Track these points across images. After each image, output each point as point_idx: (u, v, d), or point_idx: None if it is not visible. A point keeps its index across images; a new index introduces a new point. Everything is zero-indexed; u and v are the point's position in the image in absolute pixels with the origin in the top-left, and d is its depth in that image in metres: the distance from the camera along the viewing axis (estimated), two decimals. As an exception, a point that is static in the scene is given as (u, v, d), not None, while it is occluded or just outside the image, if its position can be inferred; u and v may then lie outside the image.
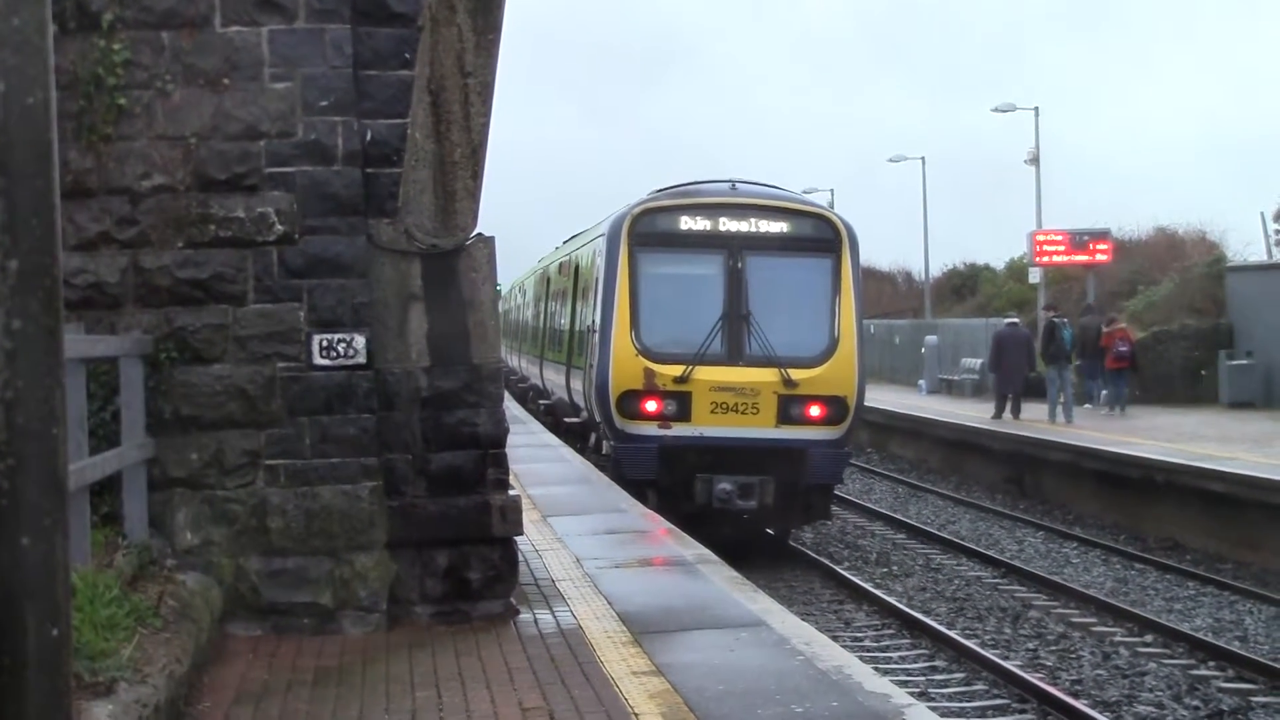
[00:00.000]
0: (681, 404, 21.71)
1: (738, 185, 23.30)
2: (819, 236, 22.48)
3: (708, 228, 22.39)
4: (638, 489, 20.84)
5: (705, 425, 21.66)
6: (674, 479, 21.78)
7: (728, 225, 22.37)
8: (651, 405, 21.82)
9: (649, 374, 21.78)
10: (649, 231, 22.44)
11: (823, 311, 22.10)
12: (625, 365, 21.95)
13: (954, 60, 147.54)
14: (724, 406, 21.60)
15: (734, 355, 21.86)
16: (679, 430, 21.75)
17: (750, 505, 21.64)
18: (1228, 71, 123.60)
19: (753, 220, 22.46)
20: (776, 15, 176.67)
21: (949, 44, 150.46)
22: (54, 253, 3.90)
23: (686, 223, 22.51)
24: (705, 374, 21.65)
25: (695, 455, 21.76)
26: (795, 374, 21.52)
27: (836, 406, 21.74)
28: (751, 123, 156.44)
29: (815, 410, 21.61)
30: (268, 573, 10.79)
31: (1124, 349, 35.54)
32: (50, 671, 3.85)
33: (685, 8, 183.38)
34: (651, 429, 21.87)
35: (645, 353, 21.92)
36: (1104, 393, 36.69)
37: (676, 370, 21.65)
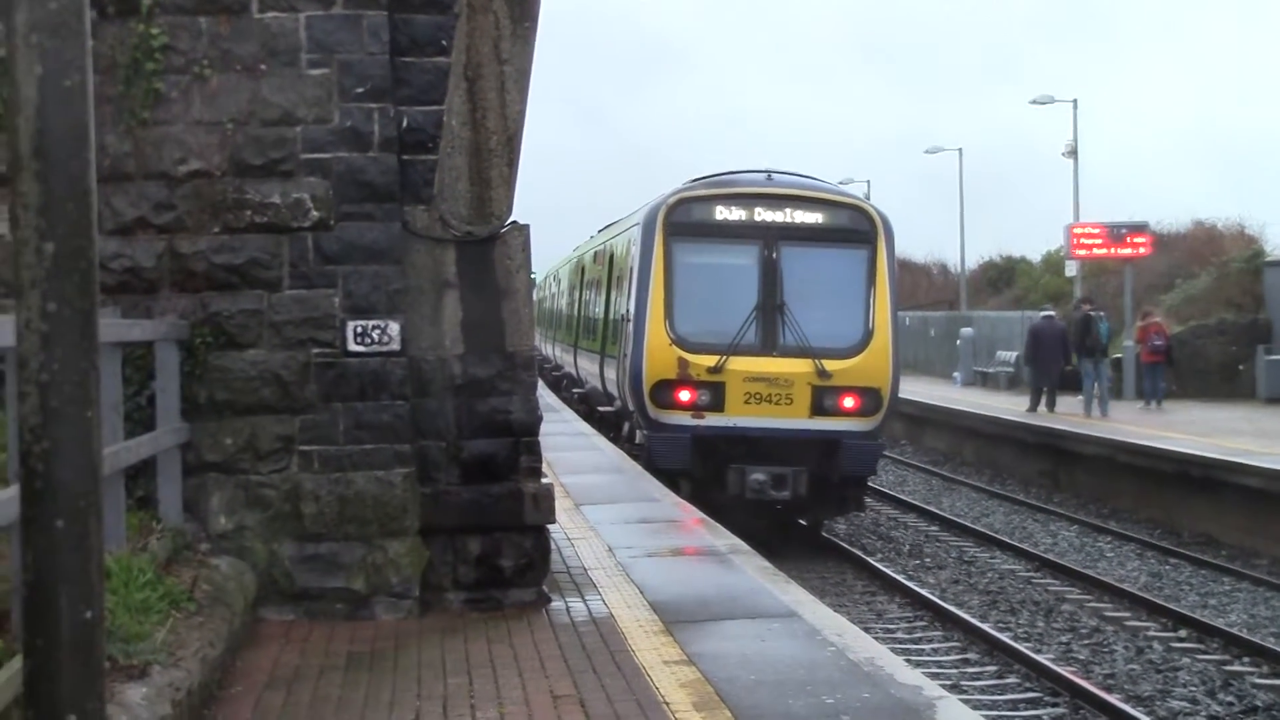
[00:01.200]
0: (715, 394, 21.64)
1: (773, 175, 23.21)
2: (854, 227, 22.35)
3: (743, 218, 22.26)
4: (670, 478, 20.82)
5: (739, 415, 21.57)
6: (707, 469, 21.75)
7: (763, 215, 22.23)
8: (685, 395, 21.73)
9: (683, 364, 21.71)
10: (684, 221, 22.32)
11: (857, 303, 21.98)
12: (659, 355, 21.88)
13: (983, 59, 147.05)
14: (758, 397, 21.53)
15: (768, 346, 21.78)
16: (712, 420, 21.68)
17: (783, 496, 21.51)
18: (1266, 68, 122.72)
19: (788, 210, 22.29)
20: (785, 25, 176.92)
21: (970, 43, 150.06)
22: (90, 236, 3.87)
23: (721, 212, 22.37)
24: (739, 364, 21.57)
25: (728, 445, 21.70)
26: (829, 365, 21.43)
27: (870, 398, 21.68)
28: (778, 123, 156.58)
29: (849, 401, 21.55)
30: (301, 558, 10.81)
31: (1159, 343, 35.38)
32: (84, 653, 3.83)
33: (687, 17, 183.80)
34: (685, 419, 21.78)
35: (679, 342, 21.87)
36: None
37: (710, 360, 21.58)
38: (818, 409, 21.53)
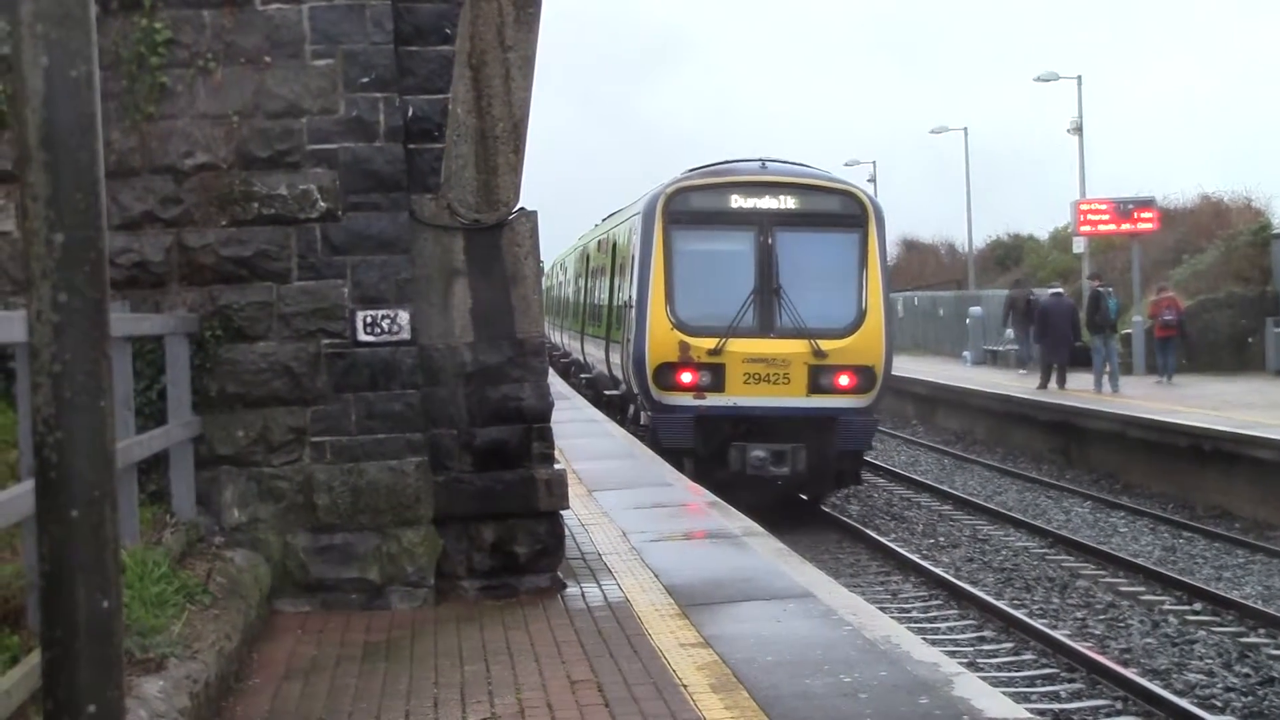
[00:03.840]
0: (716, 375, 22.42)
1: (768, 164, 24.05)
2: (846, 212, 23.17)
3: (739, 205, 23.11)
4: (674, 457, 21.50)
5: (738, 395, 22.37)
6: (709, 447, 22.49)
7: (758, 202, 23.08)
8: (687, 377, 22.52)
9: (684, 347, 22.50)
10: (682, 209, 23.15)
11: (850, 284, 22.82)
12: (661, 339, 22.66)
13: (989, 37, 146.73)
14: (756, 377, 22.31)
15: (765, 328, 22.57)
16: (713, 400, 22.45)
17: (783, 472, 22.30)
18: (1270, 40, 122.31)
19: (782, 197, 23.17)
20: (790, 5, 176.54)
21: (975, 22, 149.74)
22: (99, 226, 3.83)
23: (718, 201, 23.23)
24: (738, 346, 22.35)
25: (729, 424, 22.51)
26: (824, 345, 22.24)
27: (865, 375, 22.47)
28: (784, 105, 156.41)
29: (844, 379, 22.34)
30: (315, 549, 10.82)
31: (1170, 318, 35.35)
32: (103, 643, 3.81)
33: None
34: (687, 399, 22.60)
35: (680, 326, 22.64)
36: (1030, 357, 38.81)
37: (710, 343, 22.37)
38: (814, 387, 22.30)
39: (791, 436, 22.27)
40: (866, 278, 22.74)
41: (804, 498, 24.06)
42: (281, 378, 10.82)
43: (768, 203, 23.07)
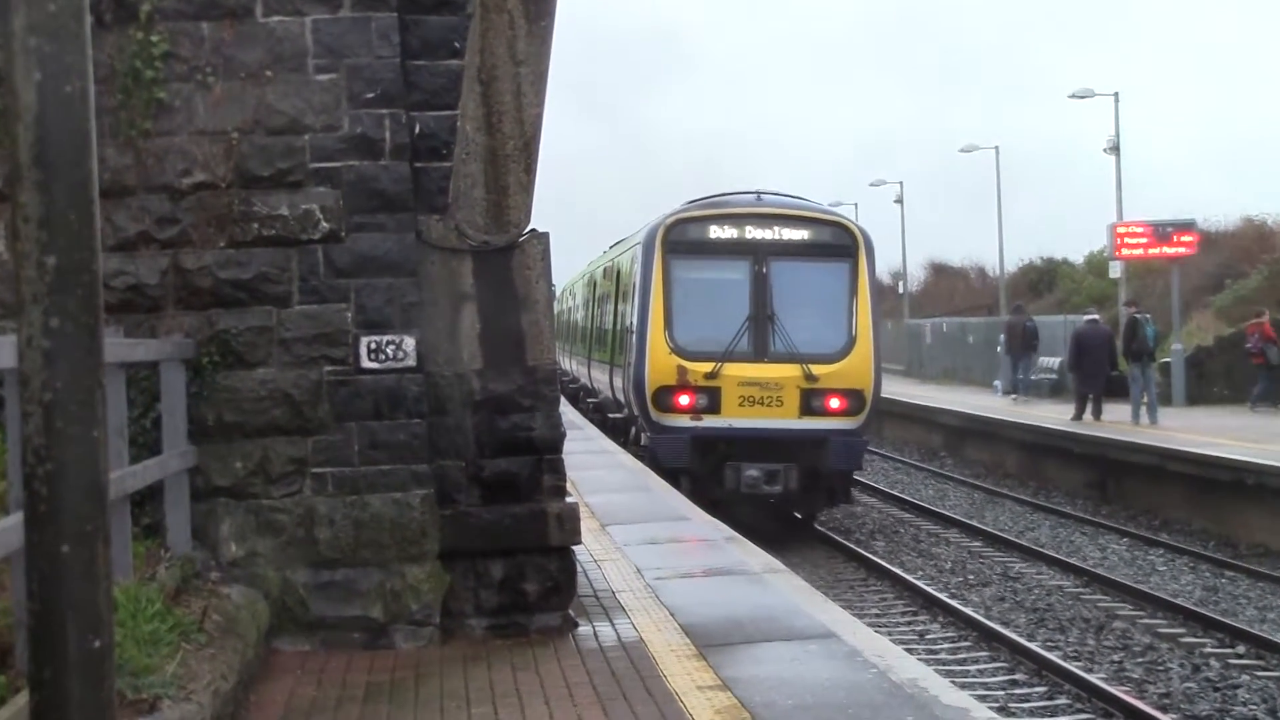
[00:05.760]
0: (712, 398, 24.01)
1: (763, 196, 25.80)
2: (837, 243, 24.80)
3: (735, 235, 24.77)
4: (672, 476, 22.90)
5: (734, 417, 23.93)
6: (705, 467, 24.08)
7: (753, 233, 24.71)
8: (684, 399, 24.14)
9: (682, 371, 24.07)
10: (681, 240, 24.84)
11: (841, 311, 24.41)
12: (660, 363, 24.27)
13: (1022, 52, 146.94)
14: (751, 399, 23.88)
15: (760, 352, 24.16)
16: (710, 422, 24.06)
17: (776, 490, 23.83)
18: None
19: (776, 228, 24.80)
20: (799, 19, 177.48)
21: (994, 43, 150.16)
22: (93, 248, 3.85)
23: (715, 231, 24.91)
24: (733, 370, 23.95)
25: (725, 444, 24.07)
26: (816, 369, 23.79)
27: (855, 399, 24.02)
28: (799, 122, 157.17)
29: (835, 402, 23.88)
30: (316, 585, 10.59)
31: (1249, 345, 35.21)
32: (94, 684, 3.82)
33: (698, 10, 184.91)
34: (684, 421, 24.18)
35: (678, 351, 24.26)
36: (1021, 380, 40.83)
37: (707, 367, 23.94)
38: (806, 410, 23.88)
39: (784, 456, 23.65)
40: (856, 305, 24.30)
41: (798, 515, 25.45)
42: (281, 406, 10.60)
43: (762, 233, 24.60)
